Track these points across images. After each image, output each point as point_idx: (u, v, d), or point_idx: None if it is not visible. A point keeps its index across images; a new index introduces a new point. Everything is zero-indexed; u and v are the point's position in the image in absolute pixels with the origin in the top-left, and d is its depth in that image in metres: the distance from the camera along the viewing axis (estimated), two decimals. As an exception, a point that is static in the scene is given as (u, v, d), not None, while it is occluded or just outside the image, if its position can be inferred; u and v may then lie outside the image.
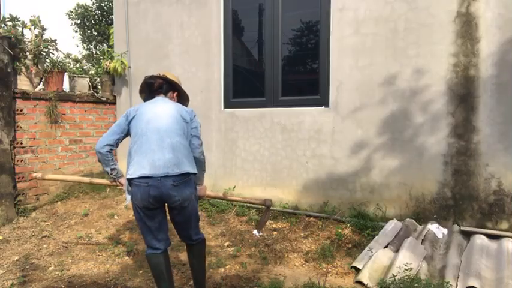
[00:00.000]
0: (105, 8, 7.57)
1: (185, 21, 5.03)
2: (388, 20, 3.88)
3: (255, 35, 4.82)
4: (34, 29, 4.72)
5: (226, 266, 3.18)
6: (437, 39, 3.68)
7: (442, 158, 3.71)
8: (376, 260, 3.01)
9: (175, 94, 2.72)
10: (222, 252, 3.47)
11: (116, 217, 4.33)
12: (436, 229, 3.46)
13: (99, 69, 5.80)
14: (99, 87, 5.69)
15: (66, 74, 5.14)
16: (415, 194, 3.83)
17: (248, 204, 4.48)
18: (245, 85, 4.88)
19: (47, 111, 4.70)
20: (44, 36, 4.80)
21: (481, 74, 3.53)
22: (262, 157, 4.60)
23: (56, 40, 4.91)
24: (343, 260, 3.27)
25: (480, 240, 3.21)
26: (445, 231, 3.46)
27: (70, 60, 5.45)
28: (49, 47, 4.87)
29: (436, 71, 3.69)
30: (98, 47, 7.87)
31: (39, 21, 4.73)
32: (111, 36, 6.20)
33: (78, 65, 5.66)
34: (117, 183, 2.63)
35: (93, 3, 7.68)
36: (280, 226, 4.06)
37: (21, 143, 4.44)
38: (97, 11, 7.66)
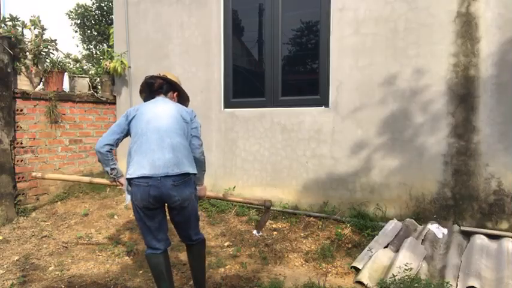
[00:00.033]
0: (105, 8, 7.57)
1: (185, 21, 5.03)
2: (388, 20, 3.88)
3: (255, 35, 4.82)
4: (34, 29, 4.72)
5: (226, 266, 3.18)
6: (437, 39, 3.68)
7: (442, 158, 3.71)
8: (376, 260, 3.01)
9: (175, 94, 2.72)
10: (222, 252, 3.47)
11: (116, 217, 4.34)
12: (436, 229, 3.46)
13: (99, 69, 5.80)
14: (99, 87, 5.69)
15: (66, 74, 5.14)
16: (415, 194, 3.83)
17: (248, 204, 4.48)
18: (245, 85, 4.88)
19: (47, 111, 4.70)
20: (44, 36, 4.80)
21: (481, 74, 3.53)
22: (262, 157, 4.60)
23: (56, 40, 4.92)
24: (343, 260, 3.27)
25: (480, 240, 3.21)
26: (445, 231, 3.46)
27: (70, 60, 5.45)
28: (49, 47, 4.88)
29: (436, 71, 3.69)
30: (98, 47, 7.88)
31: (39, 21, 4.73)
32: (111, 36, 6.20)
33: (78, 65, 5.66)
34: (117, 183, 2.63)
35: (93, 3, 7.68)
36: (280, 226, 4.06)
37: (21, 143, 4.44)
38: (97, 11, 7.66)
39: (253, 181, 4.66)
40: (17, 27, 4.53)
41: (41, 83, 4.96)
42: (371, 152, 4.01)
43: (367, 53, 3.99)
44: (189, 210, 2.40)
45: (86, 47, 8.01)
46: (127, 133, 2.50)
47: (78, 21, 7.72)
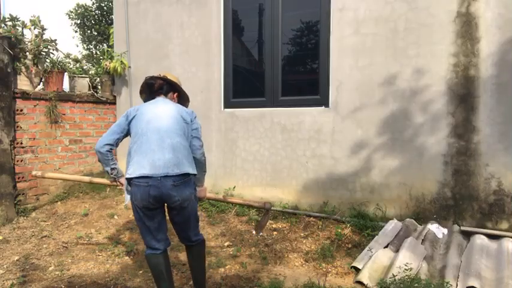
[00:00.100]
0: (105, 8, 7.57)
1: (185, 21, 5.03)
2: (388, 20, 3.88)
3: (255, 35, 4.82)
4: (34, 29, 4.72)
5: (226, 266, 3.18)
6: (437, 39, 3.68)
7: (442, 158, 3.71)
8: (376, 260, 3.01)
9: (175, 95, 2.73)
10: (222, 252, 3.47)
11: (116, 217, 4.34)
12: (436, 229, 3.46)
13: (99, 69, 5.80)
14: (99, 87, 5.69)
15: (66, 74, 5.14)
16: (415, 194, 3.83)
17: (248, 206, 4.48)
18: (245, 85, 4.88)
19: (47, 111, 4.70)
20: (44, 36, 4.80)
21: (481, 74, 3.53)
22: (262, 157, 4.60)
23: (56, 40, 4.92)
24: (343, 260, 3.27)
25: (480, 240, 3.21)
26: (445, 231, 3.46)
27: (70, 60, 5.45)
28: (49, 47, 4.87)
29: (436, 71, 3.69)
30: (98, 47, 7.87)
31: (39, 21, 4.73)
32: (111, 36, 6.20)
33: (78, 65, 5.66)
34: (118, 183, 2.63)
35: (93, 3, 7.68)
36: (280, 226, 4.06)
37: (21, 143, 4.44)
38: (97, 11, 7.66)
39: (253, 181, 4.66)
40: (17, 27, 4.53)
41: (41, 83, 4.96)
42: (371, 152, 4.01)
43: (367, 53, 3.99)
44: (188, 210, 2.40)
45: (86, 47, 8.01)
46: (127, 133, 2.51)
47: (78, 21, 7.72)
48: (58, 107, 4.81)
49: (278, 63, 4.53)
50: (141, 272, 3.11)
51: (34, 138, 4.60)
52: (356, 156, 4.08)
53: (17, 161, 4.37)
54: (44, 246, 3.63)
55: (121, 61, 5.31)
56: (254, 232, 3.62)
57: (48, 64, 4.87)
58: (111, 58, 5.40)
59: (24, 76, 4.60)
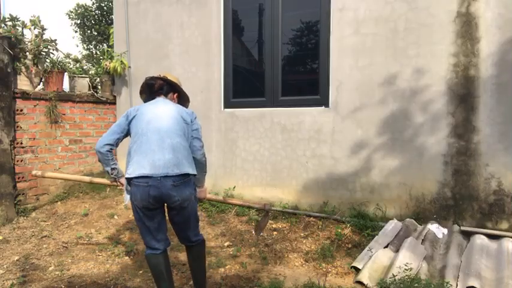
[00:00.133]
0: (105, 8, 7.57)
1: (185, 21, 5.03)
2: (388, 20, 3.88)
3: (255, 35, 4.82)
4: (34, 29, 4.72)
5: (226, 266, 3.18)
6: (437, 39, 3.68)
7: (442, 158, 3.71)
8: (376, 260, 3.01)
9: (175, 95, 2.73)
10: (222, 252, 3.47)
11: (116, 217, 4.34)
12: (436, 229, 3.46)
13: (99, 69, 5.80)
14: (99, 87, 5.69)
15: (66, 74, 5.14)
16: (415, 194, 3.83)
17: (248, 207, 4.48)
18: (245, 85, 4.88)
19: (47, 111, 4.70)
20: (44, 36, 4.80)
21: (481, 74, 3.54)
22: (262, 157, 4.60)
23: (56, 40, 4.92)
24: (343, 260, 3.27)
25: (480, 240, 3.21)
26: (445, 231, 3.46)
27: (70, 60, 5.45)
28: (49, 47, 4.87)
29: (436, 71, 3.69)
30: (98, 47, 7.87)
31: (39, 21, 4.73)
32: (111, 36, 6.20)
33: (78, 65, 5.66)
34: (118, 183, 2.63)
35: (93, 3, 7.68)
36: (280, 226, 4.06)
37: (21, 143, 4.44)
38: (97, 11, 7.66)
39: (253, 181, 4.66)
40: (17, 27, 4.53)
41: (41, 83, 4.96)
42: (371, 152, 4.01)
43: (367, 53, 3.99)
44: (188, 210, 2.41)
45: (86, 47, 8.01)
46: (127, 133, 2.51)
47: (78, 21, 7.72)
48: (58, 107, 4.81)
49: (278, 63, 4.53)
50: (141, 272, 3.11)
51: (34, 138, 4.60)
52: (356, 156, 4.08)
53: (17, 161, 4.37)
54: (44, 246, 3.63)
55: (121, 61, 5.31)
56: (254, 233, 3.62)
57: (48, 64, 4.87)
58: (111, 58, 5.40)
59: (24, 76, 4.61)
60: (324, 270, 3.11)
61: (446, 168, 3.69)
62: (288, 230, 3.95)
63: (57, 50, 4.98)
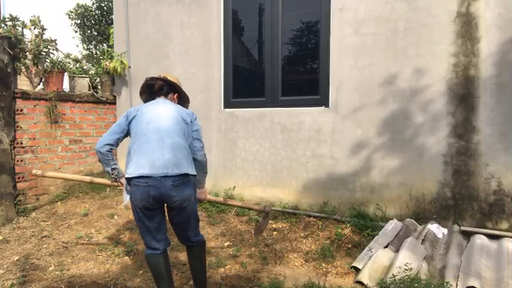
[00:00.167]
0: (105, 8, 7.57)
1: (185, 21, 5.03)
2: (388, 20, 3.88)
3: (255, 35, 4.82)
4: (34, 29, 4.71)
5: (226, 266, 3.18)
6: (437, 39, 3.68)
7: (442, 158, 3.71)
8: (376, 260, 3.01)
9: (175, 96, 2.73)
10: (222, 252, 3.47)
11: (116, 217, 4.34)
12: (436, 229, 3.46)
13: (99, 69, 5.80)
14: (99, 87, 5.69)
15: (66, 74, 5.14)
16: (415, 194, 3.83)
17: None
18: (245, 85, 4.88)
19: (47, 111, 4.70)
20: (44, 36, 4.80)
21: (481, 74, 3.53)
22: (262, 157, 4.60)
23: (56, 40, 4.91)
24: (343, 260, 3.27)
25: (480, 240, 3.21)
26: (445, 231, 3.46)
27: (70, 60, 5.45)
28: (49, 47, 4.87)
29: (436, 71, 3.69)
30: (98, 47, 7.87)
31: (39, 21, 4.73)
32: (111, 36, 6.20)
33: (78, 65, 5.66)
34: (119, 183, 2.63)
35: (93, 3, 7.68)
36: (280, 226, 4.06)
37: (21, 143, 4.44)
38: (97, 11, 7.66)
39: (253, 181, 4.66)
40: (17, 27, 4.53)
41: (41, 83, 4.95)
42: (371, 152, 4.01)
43: (367, 53, 3.99)
44: (188, 210, 2.40)
45: (86, 47, 8.01)
46: (127, 133, 2.51)
47: (78, 21, 7.72)
48: (58, 107, 4.81)
49: (278, 63, 4.53)
50: (141, 272, 3.11)
51: (34, 138, 4.60)
52: (356, 156, 4.08)
53: (17, 161, 4.37)
54: (44, 246, 3.63)
55: (121, 61, 5.31)
56: (254, 235, 3.61)
57: (48, 64, 4.87)
58: (111, 58, 5.40)
59: (24, 76, 4.60)
60: (324, 270, 3.11)
61: (446, 168, 3.69)
62: (288, 230, 3.95)
63: (57, 50, 4.98)
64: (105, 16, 7.62)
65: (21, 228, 4.03)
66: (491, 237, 3.31)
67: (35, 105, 4.60)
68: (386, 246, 3.22)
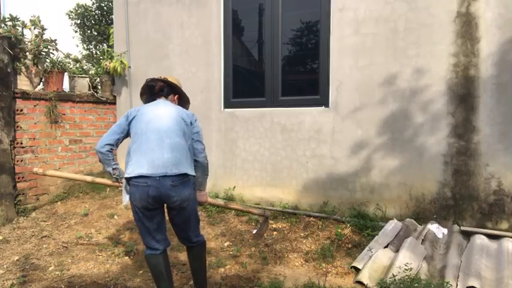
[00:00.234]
0: (105, 8, 7.57)
1: (185, 21, 5.03)
2: (388, 20, 3.88)
3: (255, 35, 4.82)
4: (34, 29, 4.72)
5: (226, 266, 3.18)
6: (437, 39, 3.68)
7: (442, 158, 3.71)
8: (376, 260, 3.01)
9: (176, 97, 2.73)
10: (222, 252, 3.47)
11: (116, 217, 4.34)
12: (436, 229, 3.46)
13: (99, 69, 5.80)
14: (99, 87, 5.69)
15: (66, 74, 5.14)
16: (415, 194, 3.83)
17: (248, 204, 4.48)
18: (245, 85, 4.88)
19: (47, 111, 4.70)
20: (44, 36, 4.80)
21: (481, 74, 3.53)
22: (262, 157, 4.60)
23: (56, 40, 4.92)
24: (343, 260, 3.27)
25: (480, 240, 3.21)
26: (445, 231, 3.46)
27: (70, 60, 5.45)
28: (49, 47, 4.87)
29: (436, 71, 3.69)
30: (98, 47, 7.88)
31: (39, 21, 4.73)
32: (111, 36, 6.20)
33: (78, 65, 5.66)
34: (120, 183, 2.62)
35: (93, 3, 7.68)
36: (280, 226, 4.06)
37: (21, 143, 4.44)
38: (97, 11, 7.66)
39: (253, 181, 4.66)
40: (17, 27, 4.53)
41: (41, 83, 4.96)
42: (371, 152, 4.01)
43: (367, 53, 3.99)
44: (188, 210, 2.40)
45: (86, 47, 8.02)
46: (127, 133, 2.51)
47: (78, 21, 7.73)
48: (58, 107, 4.81)
49: (278, 63, 4.53)
50: (141, 272, 3.11)
51: (34, 138, 4.60)
52: (356, 156, 4.08)
53: (17, 161, 4.37)
54: (44, 246, 3.63)
55: (121, 61, 5.31)
56: (253, 239, 3.61)
57: (48, 64, 4.87)
58: (111, 58, 5.40)
59: (24, 76, 4.60)
60: (324, 270, 3.11)
61: (446, 168, 3.69)
62: (288, 230, 3.95)
63: (57, 50, 4.98)
64: (105, 16, 7.62)
65: (21, 228, 4.03)
66: (491, 237, 3.31)
67: (35, 105, 4.60)
68: (386, 246, 3.22)
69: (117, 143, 2.49)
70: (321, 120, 4.25)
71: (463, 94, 3.61)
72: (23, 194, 4.44)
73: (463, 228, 3.48)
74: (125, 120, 2.50)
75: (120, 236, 3.88)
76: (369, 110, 4.00)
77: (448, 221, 3.67)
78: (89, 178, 3.08)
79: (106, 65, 5.31)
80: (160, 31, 5.22)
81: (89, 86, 5.38)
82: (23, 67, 4.52)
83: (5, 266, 3.20)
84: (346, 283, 2.88)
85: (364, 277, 2.84)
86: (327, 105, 4.23)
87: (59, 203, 4.71)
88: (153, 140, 2.33)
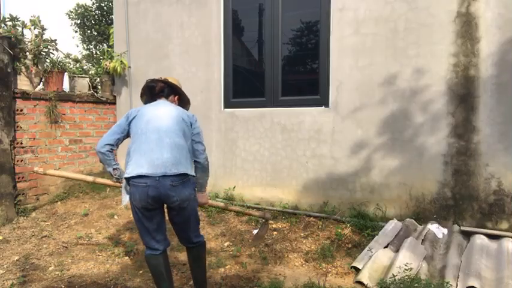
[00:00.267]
0: (105, 8, 7.57)
1: (185, 21, 5.03)
2: (388, 20, 3.88)
3: (255, 35, 4.82)
4: (34, 29, 4.72)
5: (226, 266, 3.18)
6: (437, 39, 3.68)
7: (442, 158, 3.71)
8: (376, 260, 3.01)
9: (176, 98, 2.74)
10: (222, 252, 3.47)
11: (116, 217, 4.34)
12: (436, 229, 3.46)
13: (99, 69, 5.80)
14: (99, 87, 5.69)
15: (66, 74, 5.14)
16: (415, 194, 3.83)
17: (248, 204, 4.48)
18: (245, 85, 4.88)
19: (47, 111, 4.70)
20: (44, 36, 4.80)
21: (481, 74, 3.53)
22: (262, 157, 4.60)
23: (56, 40, 4.92)
24: (343, 260, 3.27)
25: (480, 240, 3.21)
26: (445, 231, 3.46)
27: (70, 60, 5.45)
28: (49, 47, 4.88)
29: (436, 71, 3.69)
30: (98, 47, 7.88)
31: (39, 21, 4.73)
32: (111, 36, 6.20)
33: (78, 65, 5.66)
34: (121, 183, 2.62)
35: (93, 3, 7.68)
36: (280, 226, 4.06)
37: (21, 143, 4.44)
38: (97, 11, 7.66)
39: (253, 181, 4.66)
40: (17, 27, 4.53)
41: (41, 83, 4.96)
42: (371, 152, 4.01)
43: (367, 53, 3.99)
44: (188, 210, 2.40)
45: (86, 47, 8.02)
46: (127, 133, 2.51)
47: (78, 21, 7.73)
48: (58, 107, 4.81)
49: (278, 63, 4.53)
50: (141, 272, 3.11)
51: (34, 138, 4.60)
52: (356, 156, 4.08)
53: (17, 161, 4.37)
54: (44, 246, 3.63)
55: (121, 61, 5.31)
56: (253, 241, 3.60)
57: (48, 64, 4.87)
58: (111, 58, 5.40)
59: (24, 76, 4.61)
60: (324, 270, 3.11)
61: (446, 168, 3.69)
62: (288, 230, 3.95)
63: (57, 50, 4.98)
64: (105, 16, 7.62)
65: (21, 228, 4.03)
66: (491, 237, 3.31)
67: (35, 105, 4.60)
68: (386, 246, 3.22)
69: (117, 143, 2.49)
70: (321, 120, 4.25)
71: (463, 94, 3.61)
72: (23, 194, 4.45)
73: (463, 228, 3.48)
74: (125, 120, 2.50)
75: (120, 236, 3.88)
76: (369, 110, 4.00)
77: (448, 221, 3.67)
78: (90, 178, 3.07)
79: (106, 65, 5.31)
80: (160, 31, 5.22)
81: (89, 86, 5.38)
82: (23, 67, 4.52)
83: (5, 266, 3.20)
84: (346, 283, 2.88)
85: (364, 277, 2.84)
86: (327, 105, 4.23)
87: (59, 203, 4.71)
88: (152, 139, 2.33)
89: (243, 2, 4.78)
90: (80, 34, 7.91)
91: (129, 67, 5.46)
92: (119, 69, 5.25)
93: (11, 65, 4.36)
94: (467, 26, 3.57)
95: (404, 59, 3.82)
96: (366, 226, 3.74)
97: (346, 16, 4.07)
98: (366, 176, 4.03)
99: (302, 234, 3.82)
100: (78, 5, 7.59)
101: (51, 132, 4.81)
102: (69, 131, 5.05)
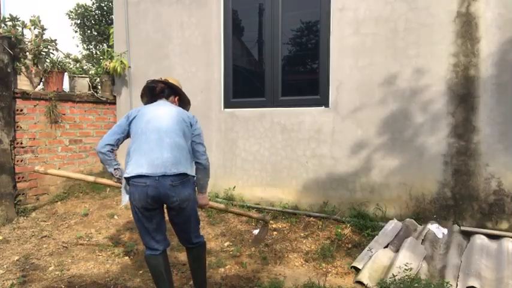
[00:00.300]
0: (105, 8, 7.57)
1: (185, 21, 5.03)
2: (388, 20, 3.88)
3: (255, 35, 4.82)
4: (34, 29, 4.72)
5: (226, 266, 3.18)
6: (437, 39, 3.68)
7: (442, 158, 3.71)
8: (376, 260, 3.01)
9: (176, 98, 2.74)
10: (222, 252, 3.47)
11: (116, 217, 4.34)
12: (436, 229, 3.46)
13: (99, 69, 5.80)
14: (99, 87, 5.69)
15: (66, 74, 5.14)
16: (415, 194, 3.83)
17: (248, 204, 4.49)
18: (245, 85, 4.88)
19: (47, 111, 4.70)
20: (44, 36, 4.80)
21: (481, 74, 3.53)
22: (262, 157, 4.60)
23: (56, 40, 4.92)
24: (343, 260, 3.27)
25: (480, 240, 3.21)
26: (445, 231, 3.46)
27: (70, 60, 5.46)
28: (49, 47, 4.88)
29: (436, 71, 3.69)
30: (98, 47, 7.88)
31: (39, 21, 4.73)
32: (111, 36, 6.20)
33: (78, 65, 5.66)
34: (121, 183, 2.62)
35: (93, 3, 7.68)
36: (280, 226, 4.06)
37: (21, 143, 4.44)
38: (97, 11, 7.66)
39: (253, 181, 4.66)
40: (17, 27, 4.53)
41: (41, 83, 4.96)
42: (371, 152, 4.01)
43: (367, 53, 3.99)
44: (188, 211, 2.40)
45: (86, 47, 8.02)
46: (128, 134, 2.51)
47: (78, 21, 7.73)
48: (58, 107, 4.82)
49: (278, 63, 4.53)
50: (141, 272, 3.11)
51: (34, 138, 4.60)
52: (356, 156, 4.08)
53: (17, 161, 4.37)
54: (44, 246, 3.63)
55: (121, 61, 5.32)
56: (252, 243, 3.60)
57: (48, 64, 4.87)
58: (111, 58, 5.40)
59: (24, 76, 4.61)
60: (324, 270, 3.11)
61: (446, 168, 3.69)
62: (288, 230, 3.95)
63: (57, 50, 4.98)
64: (105, 16, 7.62)
65: (21, 228, 4.04)
66: (491, 237, 3.31)
67: (35, 105, 4.60)
68: (386, 246, 3.22)
69: (117, 143, 2.49)
70: (321, 120, 4.25)
71: (463, 94, 3.61)
72: (23, 194, 4.45)
73: (463, 228, 3.48)
74: (126, 120, 2.50)
75: (120, 236, 3.88)
76: (369, 110, 4.00)
77: (448, 221, 3.67)
78: (91, 178, 3.07)
79: (106, 65, 5.31)
80: (160, 31, 5.22)
81: (89, 86, 5.38)
82: (23, 67, 4.52)
83: (5, 266, 3.20)
84: (346, 283, 2.88)
85: (364, 277, 2.84)
86: (327, 105, 4.23)
87: (59, 203, 4.71)
88: (152, 139, 2.33)
89: (243, 2, 4.78)
90: (80, 34, 7.91)
91: (129, 67, 5.46)
92: (118, 69, 5.25)
93: (11, 65, 4.36)
94: (467, 26, 3.57)
95: (404, 59, 3.82)
96: (366, 226, 3.74)
97: (346, 16, 4.07)
98: (366, 176, 4.03)
99: (302, 234, 3.82)
100: (78, 5, 7.59)
101: (51, 132, 4.81)
102: (69, 131, 5.05)
